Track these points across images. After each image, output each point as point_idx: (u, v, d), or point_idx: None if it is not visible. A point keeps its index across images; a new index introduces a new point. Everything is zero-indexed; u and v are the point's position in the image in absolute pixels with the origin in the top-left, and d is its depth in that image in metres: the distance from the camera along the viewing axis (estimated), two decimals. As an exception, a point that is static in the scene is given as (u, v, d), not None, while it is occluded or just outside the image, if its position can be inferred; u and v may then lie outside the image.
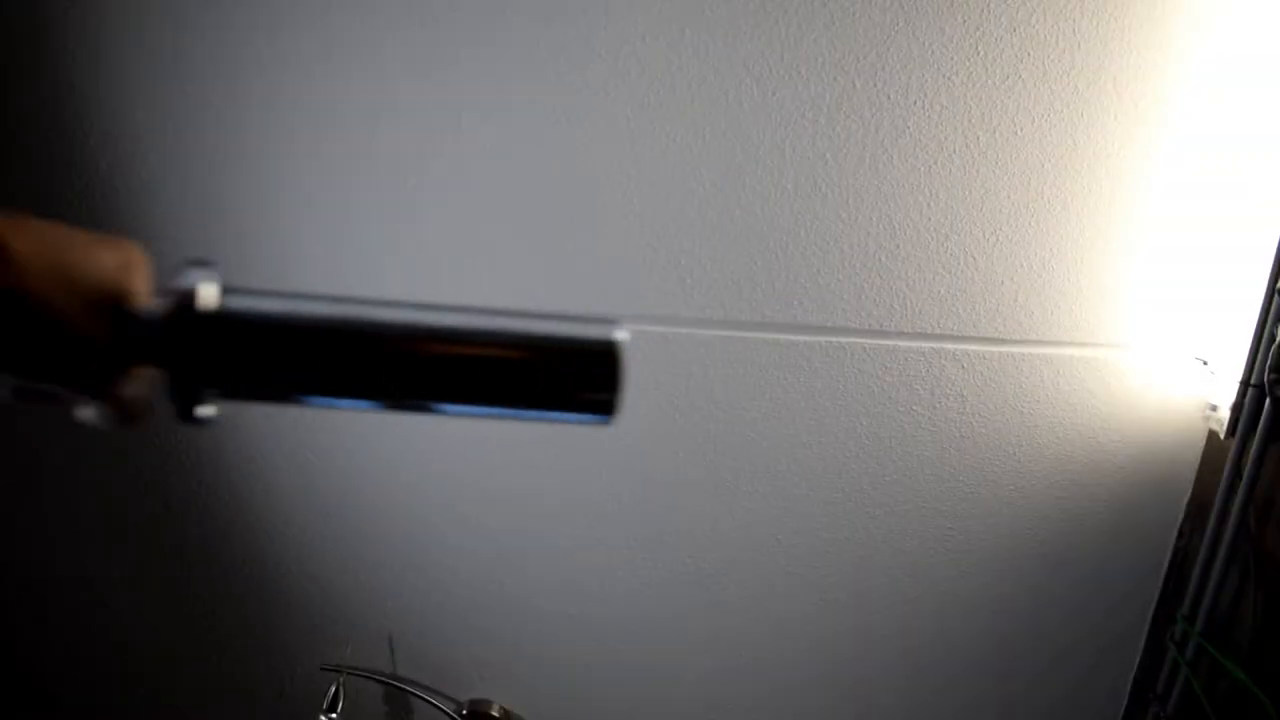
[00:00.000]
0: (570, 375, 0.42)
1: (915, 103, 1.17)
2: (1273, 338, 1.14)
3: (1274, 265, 1.16)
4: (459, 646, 1.53)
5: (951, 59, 1.15)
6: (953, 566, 1.42)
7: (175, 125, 1.19)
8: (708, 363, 1.30)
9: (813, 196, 1.22)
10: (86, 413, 0.40)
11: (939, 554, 1.41)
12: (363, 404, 0.42)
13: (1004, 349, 1.29)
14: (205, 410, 0.40)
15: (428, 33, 1.15)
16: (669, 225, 1.23)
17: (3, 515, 1.46)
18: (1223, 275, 1.21)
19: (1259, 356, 1.17)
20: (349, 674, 1.53)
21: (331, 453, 1.39)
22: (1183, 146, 1.17)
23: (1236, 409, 1.20)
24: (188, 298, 0.39)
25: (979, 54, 1.15)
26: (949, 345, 1.29)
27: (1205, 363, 1.26)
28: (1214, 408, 1.26)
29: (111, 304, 0.39)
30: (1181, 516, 1.36)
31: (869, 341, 1.29)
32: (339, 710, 1.49)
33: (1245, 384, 1.19)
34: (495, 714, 1.55)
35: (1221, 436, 1.25)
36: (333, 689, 1.50)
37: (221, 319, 0.39)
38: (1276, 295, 1.15)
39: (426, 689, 1.55)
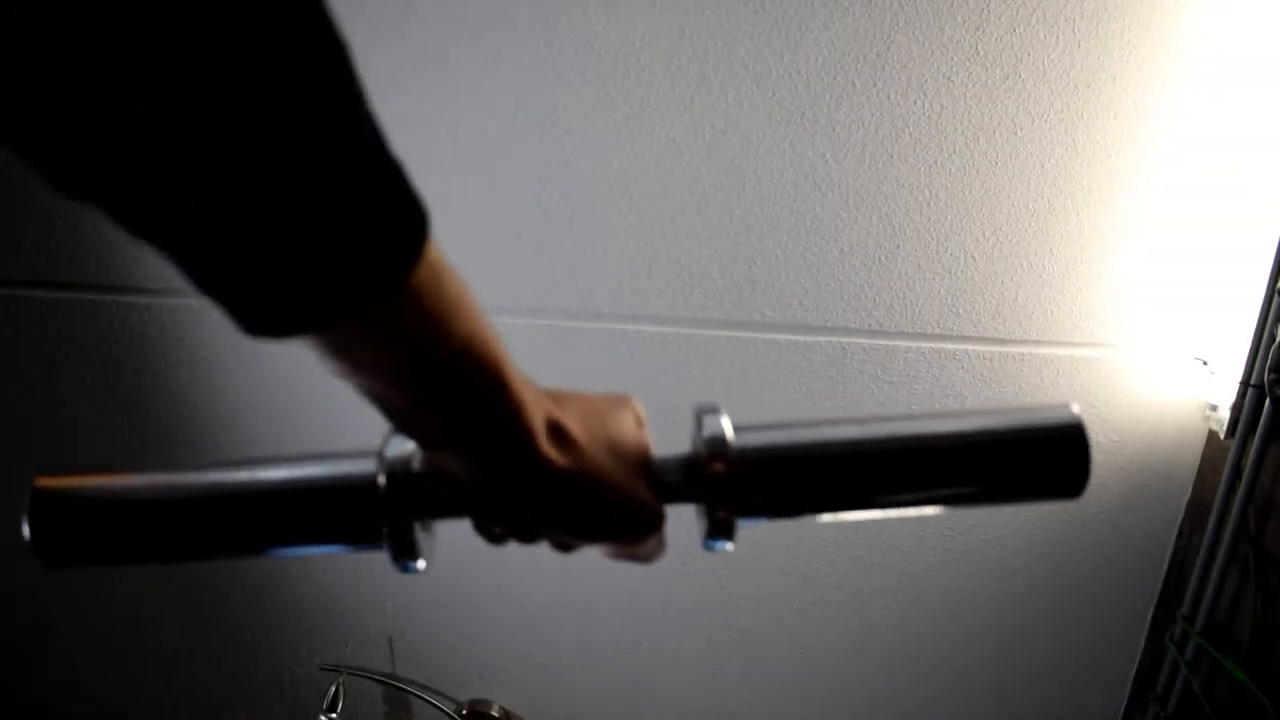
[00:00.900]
0: (1043, 461, 0.45)
1: (915, 103, 1.17)
2: (1273, 338, 1.15)
3: (1274, 265, 1.16)
4: (459, 646, 1.53)
5: (951, 59, 1.15)
6: (952, 567, 1.42)
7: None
8: (708, 363, 1.30)
9: (813, 196, 1.22)
10: (627, 555, 0.46)
11: (938, 554, 1.41)
12: (863, 511, 0.46)
13: (1004, 349, 1.29)
14: (731, 540, 0.45)
15: (427, 33, 1.15)
16: (669, 225, 1.23)
17: (3, 516, 1.46)
18: (1223, 275, 1.21)
19: (1259, 356, 1.17)
20: (349, 674, 1.53)
21: (331, 453, 1.39)
22: (1183, 146, 1.17)
23: (1236, 409, 1.21)
24: (718, 444, 0.44)
25: (979, 54, 1.15)
26: (949, 345, 1.29)
27: (1205, 363, 1.26)
28: (1214, 408, 1.26)
29: (644, 460, 0.44)
30: (1181, 516, 1.36)
31: (869, 341, 1.29)
32: (339, 710, 1.49)
33: (1245, 384, 1.19)
34: (495, 714, 1.55)
35: (1221, 436, 1.25)
36: (333, 689, 1.50)
37: (744, 456, 0.44)
38: (1276, 295, 1.15)
39: (426, 689, 1.55)
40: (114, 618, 1.54)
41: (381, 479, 0.41)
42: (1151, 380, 1.28)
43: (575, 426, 0.40)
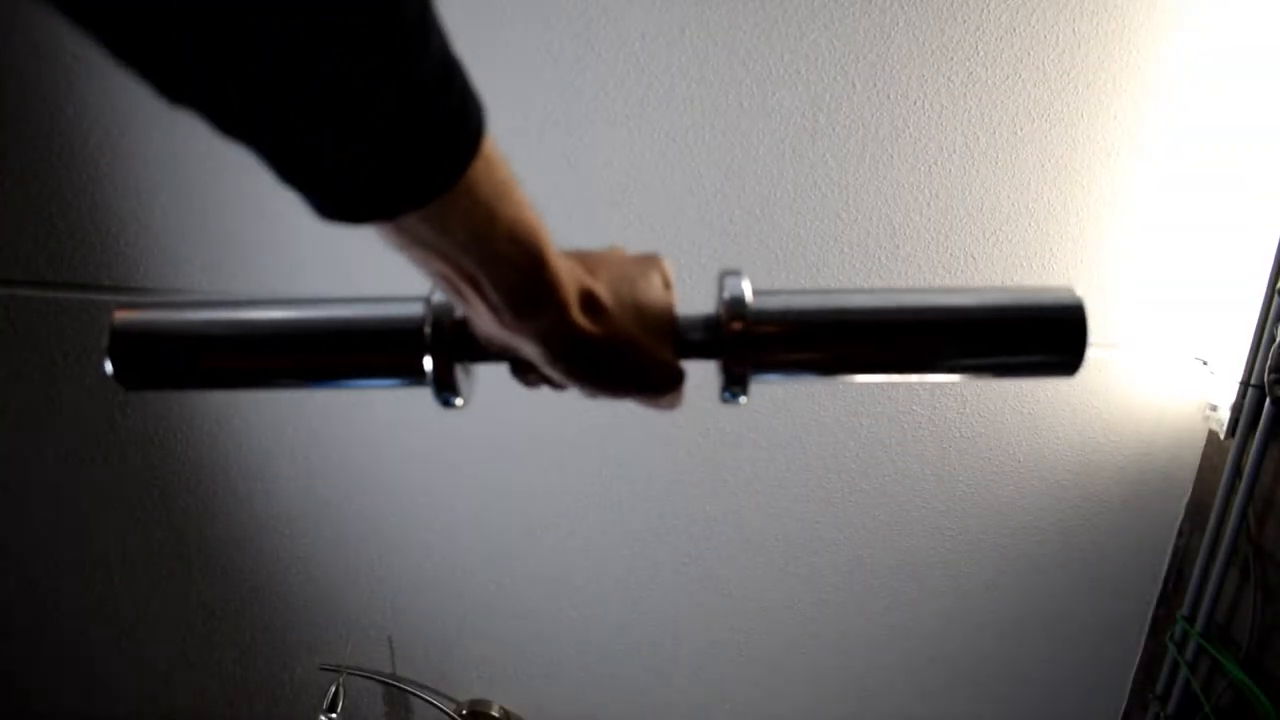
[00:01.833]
0: (1042, 336, 0.47)
1: (915, 103, 1.17)
2: (1273, 338, 1.15)
3: (1274, 265, 1.16)
4: (459, 646, 1.53)
5: (951, 59, 1.15)
6: (952, 567, 1.42)
7: (175, 125, 1.19)
8: (708, 362, 1.30)
9: (813, 196, 1.22)
10: (654, 405, 0.48)
11: (939, 554, 1.41)
12: (868, 375, 0.48)
13: (1004, 349, 1.28)
14: (745, 393, 0.48)
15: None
16: (669, 225, 1.23)
17: (3, 517, 1.46)
18: (1222, 275, 1.21)
19: (1259, 356, 1.17)
20: (349, 674, 1.53)
21: (331, 453, 1.39)
22: (1183, 147, 1.17)
23: (1236, 409, 1.21)
24: (738, 304, 0.46)
25: (979, 54, 1.15)
26: (949, 345, 1.29)
27: (1205, 363, 1.26)
28: (1214, 408, 1.26)
29: (670, 321, 0.47)
30: (1181, 516, 1.36)
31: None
32: (339, 710, 1.49)
33: (1245, 384, 1.19)
34: (495, 714, 1.55)
35: (1221, 436, 1.25)
36: (333, 689, 1.50)
37: (761, 316, 0.46)
38: (1276, 295, 1.15)
39: (426, 689, 1.55)
40: (117, 618, 1.54)
41: (428, 329, 0.45)
42: (1151, 380, 1.28)
43: (606, 294, 0.44)
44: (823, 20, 1.14)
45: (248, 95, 0.28)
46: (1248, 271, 1.19)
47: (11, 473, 1.43)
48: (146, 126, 1.19)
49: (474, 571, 1.47)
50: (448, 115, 0.32)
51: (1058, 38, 1.13)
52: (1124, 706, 1.49)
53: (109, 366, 0.46)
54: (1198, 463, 1.32)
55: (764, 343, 0.46)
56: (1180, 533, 1.37)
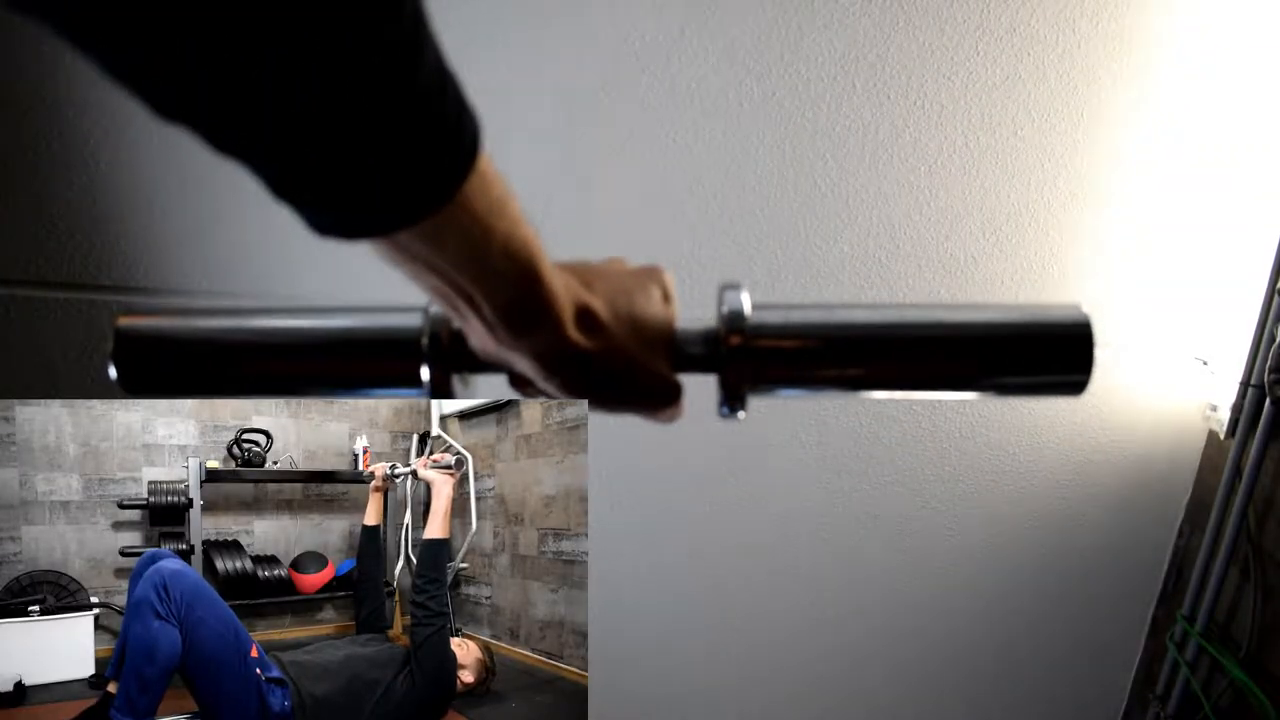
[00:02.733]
0: (1048, 356, 0.46)
1: (915, 103, 1.17)
2: (1273, 338, 1.15)
3: (1274, 265, 1.16)
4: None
5: (951, 59, 1.15)
6: (953, 567, 1.42)
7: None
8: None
9: (813, 196, 1.22)
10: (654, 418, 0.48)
11: (939, 554, 1.41)
12: (869, 392, 0.48)
13: (1004, 349, 1.28)
14: (743, 409, 0.47)
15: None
16: (669, 225, 1.23)
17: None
18: (1222, 275, 1.21)
19: (1259, 356, 1.17)
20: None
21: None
22: (1183, 147, 1.17)
23: (1236, 409, 1.21)
24: (737, 319, 0.45)
25: (979, 54, 1.15)
26: (949, 345, 1.29)
27: (1205, 363, 1.26)
28: (1214, 408, 1.26)
29: (669, 335, 0.46)
30: (1181, 516, 1.36)
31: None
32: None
33: (1245, 384, 1.19)
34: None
35: (1221, 436, 1.25)
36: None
37: (760, 331, 0.46)
38: (1276, 295, 1.15)
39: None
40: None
41: (425, 340, 0.45)
42: (1151, 380, 1.28)
43: (602, 309, 0.43)
44: (823, 20, 1.14)
45: (241, 113, 0.28)
46: (1247, 271, 1.19)
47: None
48: (146, 126, 1.19)
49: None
50: (443, 129, 0.32)
51: (1058, 38, 1.13)
52: (1124, 706, 1.49)
53: (112, 370, 0.46)
54: (1198, 463, 1.32)
55: (763, 358, 0.46)
56: (1180, 533, 1.37)
